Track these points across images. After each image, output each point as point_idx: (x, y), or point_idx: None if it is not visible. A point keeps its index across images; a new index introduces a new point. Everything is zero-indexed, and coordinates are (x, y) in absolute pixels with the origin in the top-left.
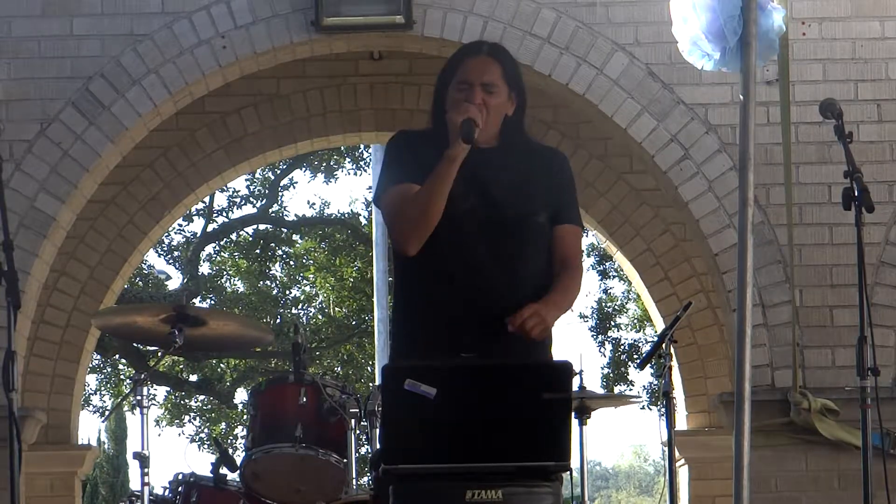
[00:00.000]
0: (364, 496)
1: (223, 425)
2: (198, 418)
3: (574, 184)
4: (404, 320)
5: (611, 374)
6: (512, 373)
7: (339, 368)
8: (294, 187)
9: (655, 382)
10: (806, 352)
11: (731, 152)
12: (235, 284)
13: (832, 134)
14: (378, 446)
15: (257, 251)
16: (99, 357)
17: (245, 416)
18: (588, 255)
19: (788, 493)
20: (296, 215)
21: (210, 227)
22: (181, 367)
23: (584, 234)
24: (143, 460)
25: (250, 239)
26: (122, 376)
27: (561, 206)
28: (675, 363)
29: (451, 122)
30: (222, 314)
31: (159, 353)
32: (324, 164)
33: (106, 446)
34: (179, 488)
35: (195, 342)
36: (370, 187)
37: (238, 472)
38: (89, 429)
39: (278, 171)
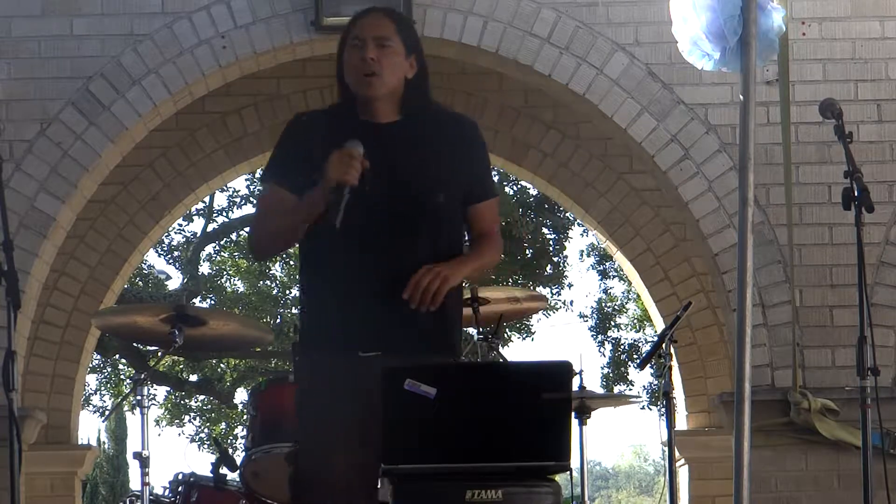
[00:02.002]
0: None
1: (223, 425)
2: (198, 418)
3: (486, 152)
4: (308, 307)
5: (611, 374)
6: (512, 373)
7: None
8: None
9: (655, 382)
10: (806, 352)
11: (731, 152)
12: (235, 284)
13: (832, 134)
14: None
15: None
16: (99, 357)
17: (245, 416)
18: (588, 255)
19: (788, 493)
20: None
21: (210, 227)
22: (181, 367)
23: (583, 234)
24: (143, 460)
25: None
26: (122, 376)
27: (474, 182)
28: (675, 363)
29: (329, 172)
30: (222, 314)
31: (159, 353)
32: None
33: (106, 446)
34: (179, 488)
35: (195, 342)
36: None
37: (238, 472)
38: (89, 429)
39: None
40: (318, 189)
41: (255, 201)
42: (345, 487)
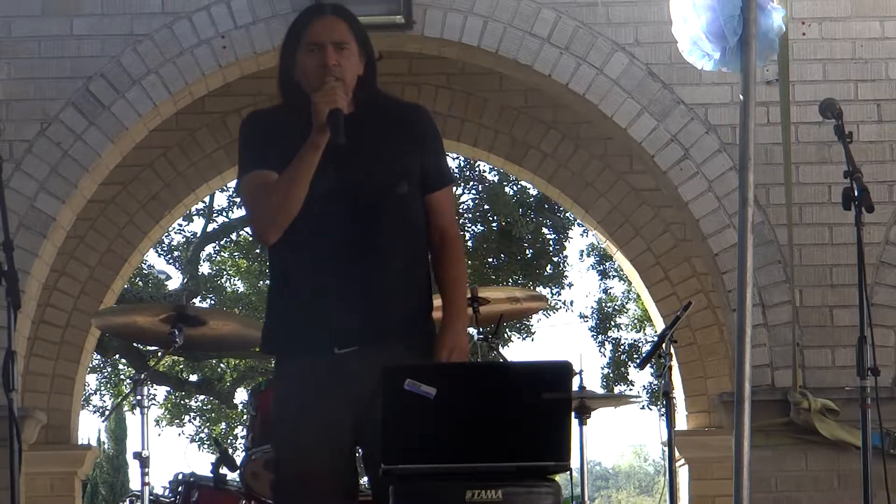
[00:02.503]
0: (364, 497)
1: (223, 425)
2: (198, 418)
3: (439, 138)
4: (278, 310)
5: (611, 374)
6: (512, 373)
7: None
8: None
9: (655, 382)
10: (806, 352)
11: (731, 152)
12: (235, 284)
13: (832, 134)
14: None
15: (257, 251)
16: (99, 357)
17: (245, 416)
18: (588, 255)
19: (788, 493)
20: None
21: (210, 227)
22: (181, 367)
23: (583, 234)
24: (143, 460)
25: (250, 239)
26: (122, 376)
27: (428, 171)
28: (675, 363)
29: (318, 108)
30: (222, 314)
31: (159, 353)
32: None
33: (106, 446)
34: (179, 488)
35: (195, 342)
36: None
37: (238, 472)
38: (89, 429)
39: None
40: (306, 145)
41: (240, 198)
42: (327, 489)
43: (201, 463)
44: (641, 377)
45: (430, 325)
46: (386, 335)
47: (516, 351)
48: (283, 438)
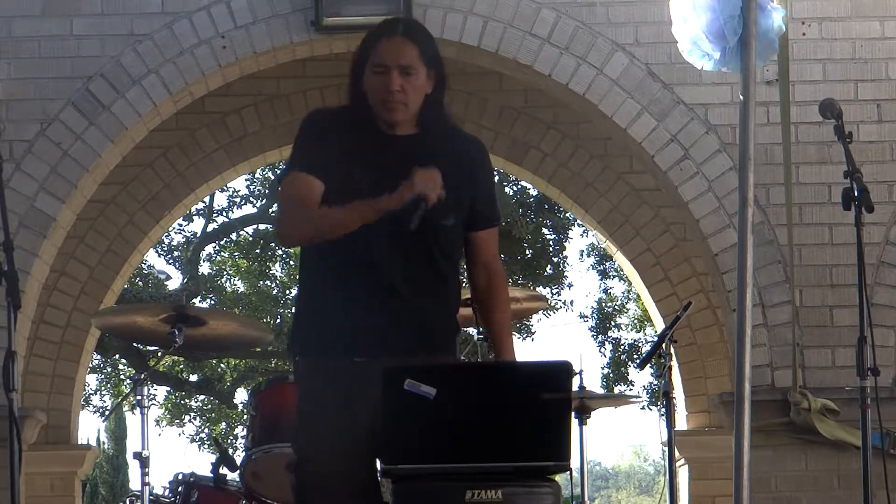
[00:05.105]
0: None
1: (223, 425)
2: (198, 418)
3: (493, 177)
4: (309, 311)
5: (611, 374)
6: (512, 373)
7: None
8: None
9: (655, 382)
10: (806, 352)
11: (731, 152)
12: (235, 284)
13: (832, 134)
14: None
15: (257, 251)
16: (99, 357)
17: (245, 416)
18: (588, 255)
19: (788, 493)
20: None
21: (210, 227)
22: (181, 367)
23: (583, 234)
24: (143, 460)
25: (250, 239)
26: (122, 376)
27: (480, 208)
28: (675, 363)
29: (411, 186)
30: (222, 314)
31: (159, 353)
32: None
33: (106, 446)
34: (179, 488)
35: (195, 342)
36: None
37: (238, 472)
38: (89, 429)
39: (278, 171)
40: (368, 206)
41: (279, 189)
42: (348, 492)
43: (201, 463)
44: (641, 377)
45: (453, 345)
46: (414, 351)
47: (516, 351)
48: (304, 440)
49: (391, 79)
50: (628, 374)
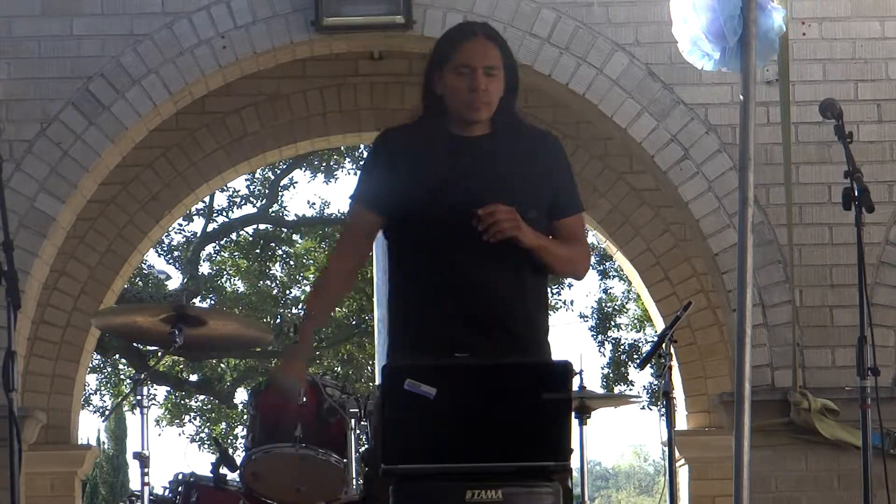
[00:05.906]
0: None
1: (223, 425)
2: (198, 418)
3: (570, 167)
4: (396, 316)
5: (611, 374)
6: (512, 373)
7: (338, 368)
8: (294, 187)
9: (655, 382)
10: (806, 352)
11: (731, 152)
12: (235, 284)
13: (832, 134)
14: (368, 445)
15: (257, 251)
16: (99, 357)
17: (245, 416)
18: None
19: (788, 493)
20: (296, 215)
21: (210, 227)
22: (181, 367)
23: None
24: (143, 460)
25: (250, 239)
26: (122, 376)
27: (560, 198)
28: (675, 363)
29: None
30: (222, 314)
31: (159, 353)
32: (324, 164)
33: (106, 446)
34: (179, 488)
35: (195, 342)
36: None
37: (238, 472)
38: (89, 429)
39: (278, 171)
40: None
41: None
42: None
43: (201, 463)
44: (641, 377)
45: (541, 355)
46: (506, 350)
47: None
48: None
49: (476, 79)
50: (628, 374)
